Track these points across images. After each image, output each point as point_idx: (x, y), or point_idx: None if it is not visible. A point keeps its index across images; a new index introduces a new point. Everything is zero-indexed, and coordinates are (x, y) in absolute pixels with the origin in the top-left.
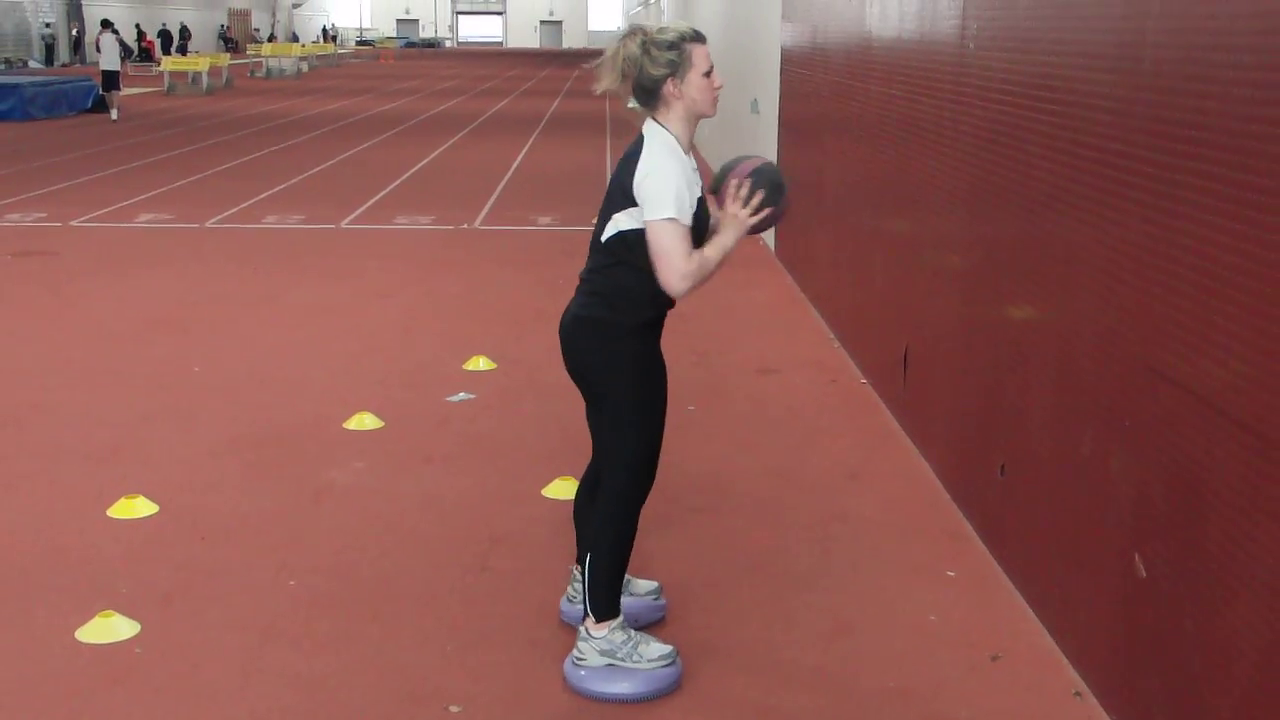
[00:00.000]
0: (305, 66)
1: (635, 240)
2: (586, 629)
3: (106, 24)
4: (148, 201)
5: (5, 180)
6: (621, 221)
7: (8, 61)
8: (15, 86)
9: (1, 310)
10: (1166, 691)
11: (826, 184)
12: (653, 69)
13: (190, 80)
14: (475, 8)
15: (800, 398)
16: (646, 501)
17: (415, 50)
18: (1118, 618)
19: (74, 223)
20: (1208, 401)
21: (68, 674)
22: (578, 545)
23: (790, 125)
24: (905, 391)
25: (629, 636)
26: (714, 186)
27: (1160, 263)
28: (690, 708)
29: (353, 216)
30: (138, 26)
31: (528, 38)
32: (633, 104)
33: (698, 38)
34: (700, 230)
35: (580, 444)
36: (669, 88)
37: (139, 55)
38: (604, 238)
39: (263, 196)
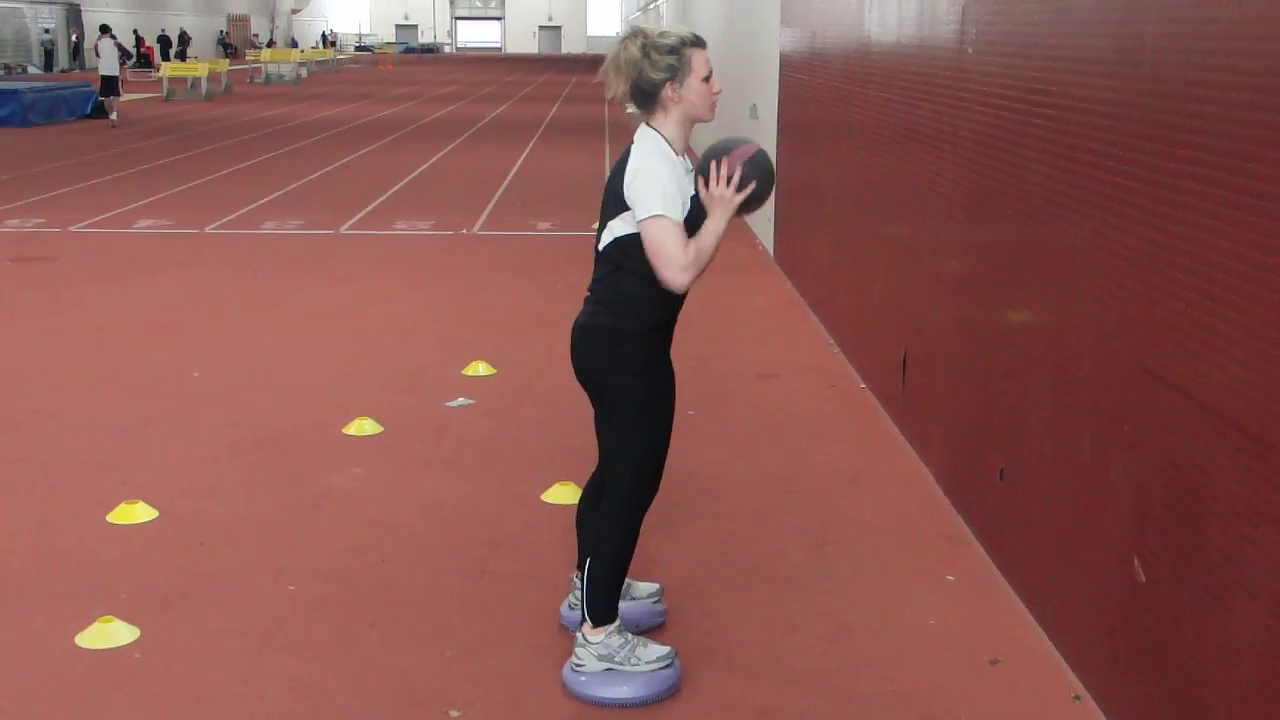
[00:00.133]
0: (304, 72)
1: (631, 244)
2: (584, 634)
3: (105, 29)
4: (147, 207)
5: (5, 186)
6: (616, 228)
7: (7, 67)
8: (15, 92)
9: (1, 315)
10: (1165, 695)
11: (825, 189)
12: (652, 72)
13: (189, 86)
14: (474, 13)
15: (800, 402)
16: (645, 514)
17: (414, 56)
18: (1117, 621)
19: (73, 228)
20: (1207, 405)
21: (67, 679)
22: (579, 551)
23: (789, 130)
24: (904, 396)
25: (626, 640)
26: (700, 168)
27: (1159, 267)
28: (690, 711)
29: (352, 222)
30: (135, 32)
31: (526, 43)
32: (632, 109)
33: (698, 42)
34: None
35: (579, 449)
36: (667, 92)
37: (137, 61)
38: (602, 247)
39: (262, 202)
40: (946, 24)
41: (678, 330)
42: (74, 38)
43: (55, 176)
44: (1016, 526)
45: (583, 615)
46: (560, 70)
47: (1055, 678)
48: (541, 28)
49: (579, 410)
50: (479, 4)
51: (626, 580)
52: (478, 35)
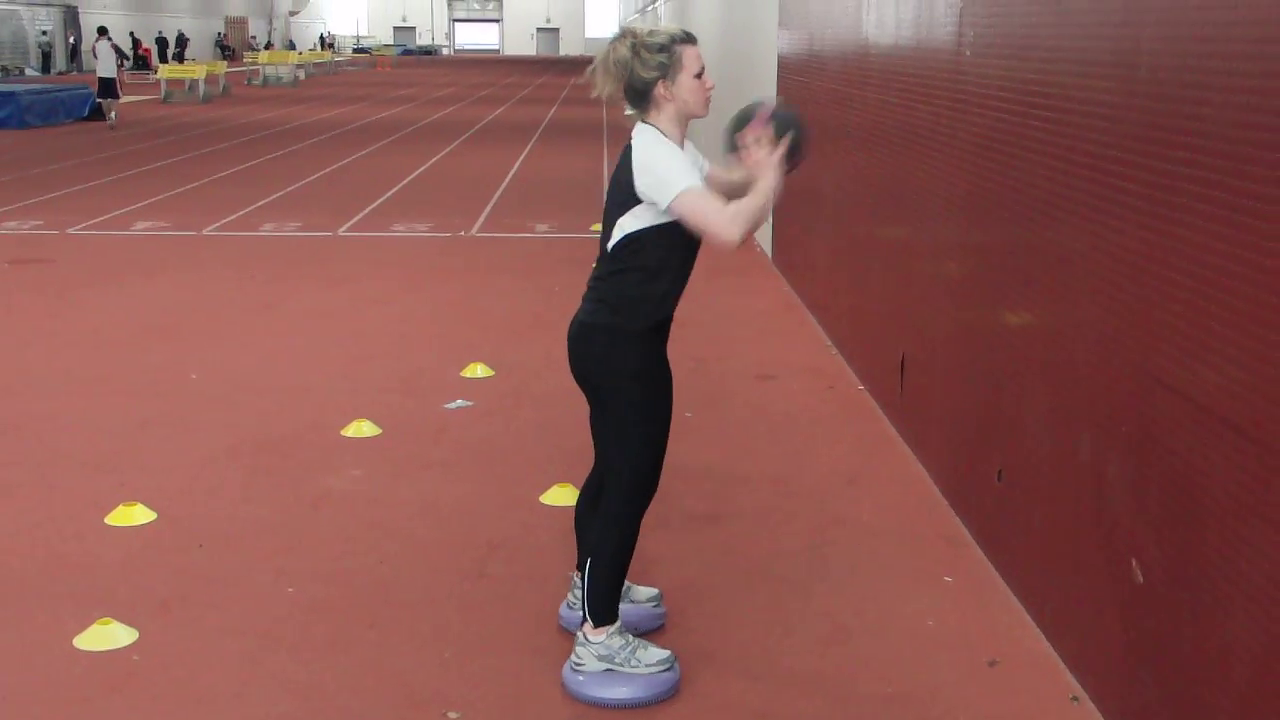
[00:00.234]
0: (302, 74)
1: (646, 239)
2: (584, 634)
3: (102, 31)
4: (145, 209)
5: (2, 188)
6: (627, 224)
7: (4, 69)
8: (12, 94)
9: None
10: (1164, 696)
11: (823, 190)
12: (643, 71)
13: (187, 88)
14: (472, 15)
15: (798, 404)
16: (644, 513)
17: (412, 58)
18: (1115, 623)
19: (71, 230)
20: (1204, 407)
21: (66, 681)
22: (579, 551)
23: None
24: (902, 397)
25: (627, 641)
26: (729, 146)
27: (1157, 269)
28: (689, 713)
29: (350, 224)
30: (131, 34)
31: (524, 45)
32: (630, 111)
33: (688, 39)
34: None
35: (578, 451)
36: (660, 90)
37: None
38: (610, 245)
39: (260, 204)
40: (944, 26)
41: (676, 331)
42: (71, 40)
43: (53, 179)
44: (1015, 528)
45: (584, 615)
46: (558, 72)
47: (1053, 679)
48: (539, 30)
49: (577, 412)
50: (477, 6)
51: (626, 583)
52: (476, 37)
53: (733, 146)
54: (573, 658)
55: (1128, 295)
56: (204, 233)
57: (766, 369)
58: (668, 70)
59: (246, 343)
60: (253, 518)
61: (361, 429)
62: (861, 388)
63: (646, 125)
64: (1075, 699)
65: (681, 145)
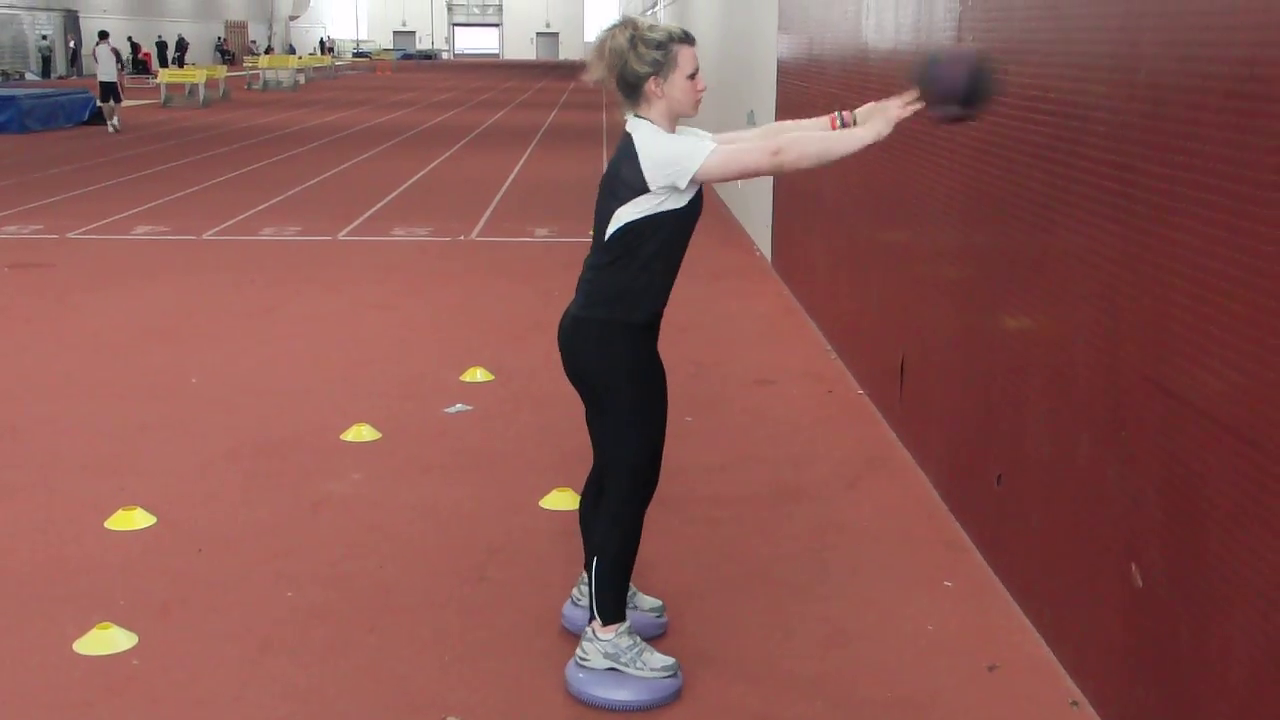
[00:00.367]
0: (302, 79)
1: (642, 228)
2: (593, 630)
3: (103, 35)
4: (145, 213)
5: (2, 192)
6: (626, 214)
7: (4, 74)
8: (12, 99)
9: None
10: (1163, 700)
11: (823, 194)
12: (637, 65)
13: (187, 92)
14: (472, 20)
15: (797, 408)
16: (646, 509)
17: (412, 62)
18: (1114, 627)
19: (71, 235)
20: (1204, 411)
21: (65, 686)
22: (585, 550)
23: None
24: (902, 402)
25: (634, 643)
26: (917, 75)
27: (1156, 273)
28: (689, 717)
29: (350, 228)
30: (130, 39)
31: (524, 49)
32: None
33: (686, 39)
34: (693, 216)
35: (577, 455)
36: (651, 85)
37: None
38: (608, 235)
39: (260, 208)
40: (943, 30)
41: (675, 335)
42: (71, 44)
43: (53, 183)
44: (1014, 532)
45: (592, 613)
46: (558, 76)
47: (1053, 683)
48: (539, 34)
49: (577, 416)
50: (477, 10)
51: (632, 588)
52: (475, 42)
53: (923, 77)
54: (578, 653)
55: (1127, 299)
56: (204, 237)
57: (766, 373)
58: (661, 67)
59: (246, 347)
60: (252, 521)
61: (361, 433)
62: (861, 392)
63: (640, 119)
64: (1075, 703)
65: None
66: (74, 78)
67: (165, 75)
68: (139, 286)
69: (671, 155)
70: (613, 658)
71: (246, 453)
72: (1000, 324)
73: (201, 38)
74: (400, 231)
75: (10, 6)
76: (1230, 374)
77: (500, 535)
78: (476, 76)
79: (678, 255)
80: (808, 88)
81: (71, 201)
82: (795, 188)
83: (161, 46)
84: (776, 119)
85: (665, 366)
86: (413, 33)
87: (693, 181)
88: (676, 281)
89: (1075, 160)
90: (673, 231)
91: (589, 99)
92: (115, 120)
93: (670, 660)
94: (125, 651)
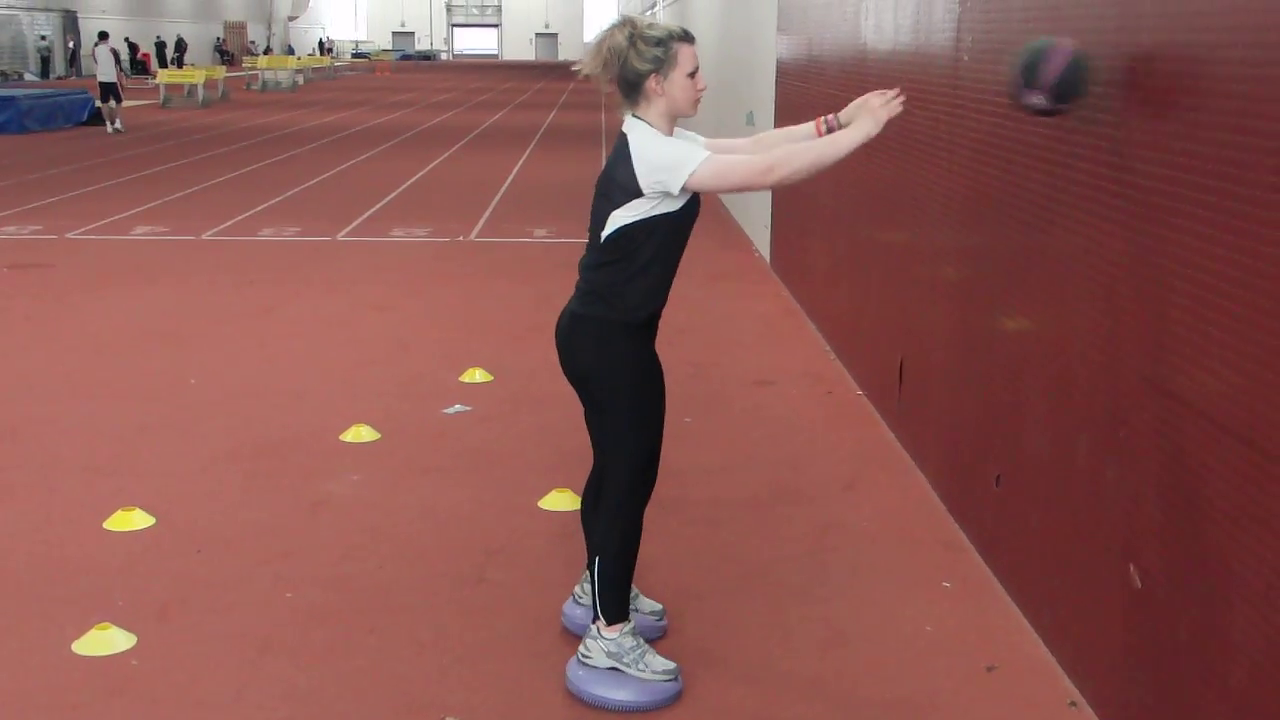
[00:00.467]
0: (301, 79)
1: (637, 231)
2: (597, 629)
3: (103, 36)
4: (144, 214)
5: (1, 193)
6: (621, 217)
7: (3, 74)
8: (11, 99)
9: None
10: (1162, 701)
11: (822, 196)
12: (637, 63)
13: (186, 93)
14: (471, 20)
15: (796, 409)
16: (645, 508)
17: (411, 63)
18: (1113, 628)
19: (70, 235)
20: (1202, 412)
21: (64, 686)
22: (588, 550)
23: None
24: (901, 403)
25: (638, 644)
26: (1022, 73)
27: (1155, 274)
28: (688, 717)
29: (349, 229)
30: (127, 40)
31: (523, 50)
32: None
33: (686, 37)
34: (689, 219)
35: (577, 456)
36: (651, 84)
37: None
38: (604, 236)
39: (259, 209)
40: (942, 31)
41: (675, 337)
42: (71, 44)
43: (52, 183)
44: (1013, 533)
45: (596, 612)
46: (557, 77)
47: (1051, 684)
48: (538, 35)
49: (576, 416)
50: (476, 11)
51: (634, 590)
52: (474, 42)
53: (1021, 76)
54: (581, 649)
55: (1126, 300)
56: (203, 237)
57: (765, 374)
58: (662, 65)
59: (245, 347)
60: (251, 522)
61: (360, 434)
62: (860, 393)
63: (637, 119)
64: (1073, 704)
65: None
66: (73, 78)
67: (164, 76)
68: (138, 287)
69: (665, 160)
70: (615, 657)
71: (246, 453)
72: (999, 325)
73: (200, 38)
74: (399, 232)
75: (9, 7)
76: (1229, 375)
77: (499, 536)
78: (475, 77)
79: (675, 256)
80: (807, 88)
81: (70, 202)
82: (794, 189)
83: (160, 47)
84: (775, 120)
85: (664, 367)
86: (412, 33)
87: (684, 190)
88: (675, 282)
89: (1074, 161)
90: (668, 234)
91: (588, 100)
92: (118, 122)
93: (672, 665)
94: (124, 652)
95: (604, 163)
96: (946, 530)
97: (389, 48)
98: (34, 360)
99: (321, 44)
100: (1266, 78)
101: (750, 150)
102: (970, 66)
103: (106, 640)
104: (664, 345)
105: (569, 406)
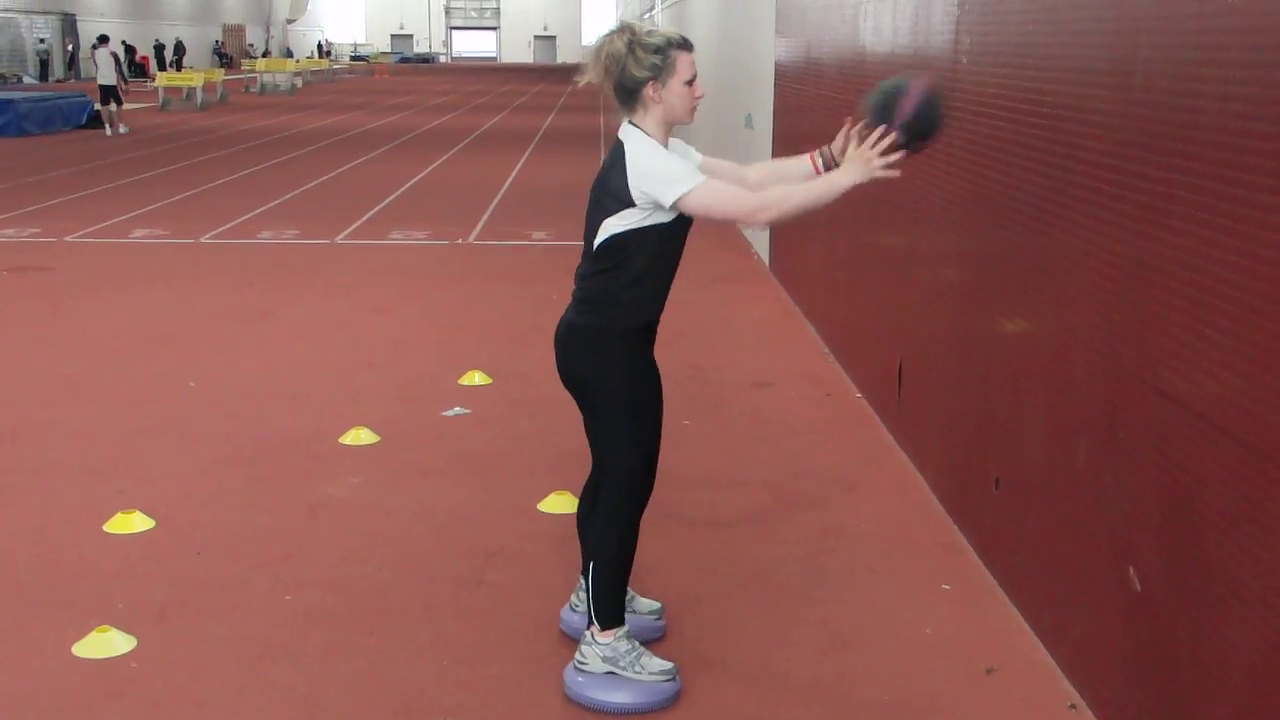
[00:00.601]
0: (300, 82)
1: (628, 242)
2: (592, 634)
3: (103, 39)
4: (143, 217)
5: (0, 195)
6: (613, 226)
7: (2, 77)
8: (10, 102)
9: None
10: (1161, 703)
11: None
12: (636, 70)
13: (185, 96)
14: (469, 23)
15: (795, 412)
16: (644, 512)
17: (410, 65)
18: (1112, 630)
19: (69, 238)
20: (1201, 415)
21: (64, 689)
22: (582, 555)
23: (784, 140)
24: (900, 405)
25: (633, 647)
26: (872, 112)
27: (1153, 277)
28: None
29: (348, 232)
30: (124, 43)
31: (522, 53)
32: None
33: (684, 45)
34: (682, 231)
35: (576, 458)
36: (649, 91)
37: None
38: (596, 244)
39: (258, 212)
40: (941, 33)
41: (674, 339)
42: (69, 48)
43: (51, 186)
44: (1012, 535)
45: (590, 618)
46: (555, 80)
47: (1051, 686)
48: (536, 38)
49: (575, 419)
50: (474, 14)
51: (630, 592)
52: (473, 45)
53: (873, 116)
54: (577, 656)
55: (1125, 302)
56: (202, 240)
57: (764, 377)
58: (660, 72)
59: (244, 350)
60: (251, 525)
61: (360, 436)
62: (859, 395)
63: (633, 127)
64: (1073, 706)
65: (665, 145)
66: (71, 81)
67: (163, 79)
68: (137, 290)
69: (660, 174)
70: (611, 661)
71: (245, 456)
72: (998, 328)
73: (199, 41)
74: (398, 235)
75: (8, 10)
76: (1227, 377)
77: (498, 539)
78: (474, 80)
79: (669, 265)
80: (805, 91)
81: (69, 205)
82: None
83: (159, 49)
84: (775, 121)
85: (663, 370)
86: (410, 36)
87: (674, 207)
88: (674, 284)
89: (1072, 164)
90: (660, 244)
91: (586, 102)
92: (121, 125)
93: (669, 664)
94: (124, 655)
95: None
96: (946, 533)
97: (388, 50)
98: (33, 363)
99: (320, 47)
100: (1266, 79)
101: (737, 175)
102: (969, 69)
103: (106, 643)
104: (662, 348)
105: (568, 409)
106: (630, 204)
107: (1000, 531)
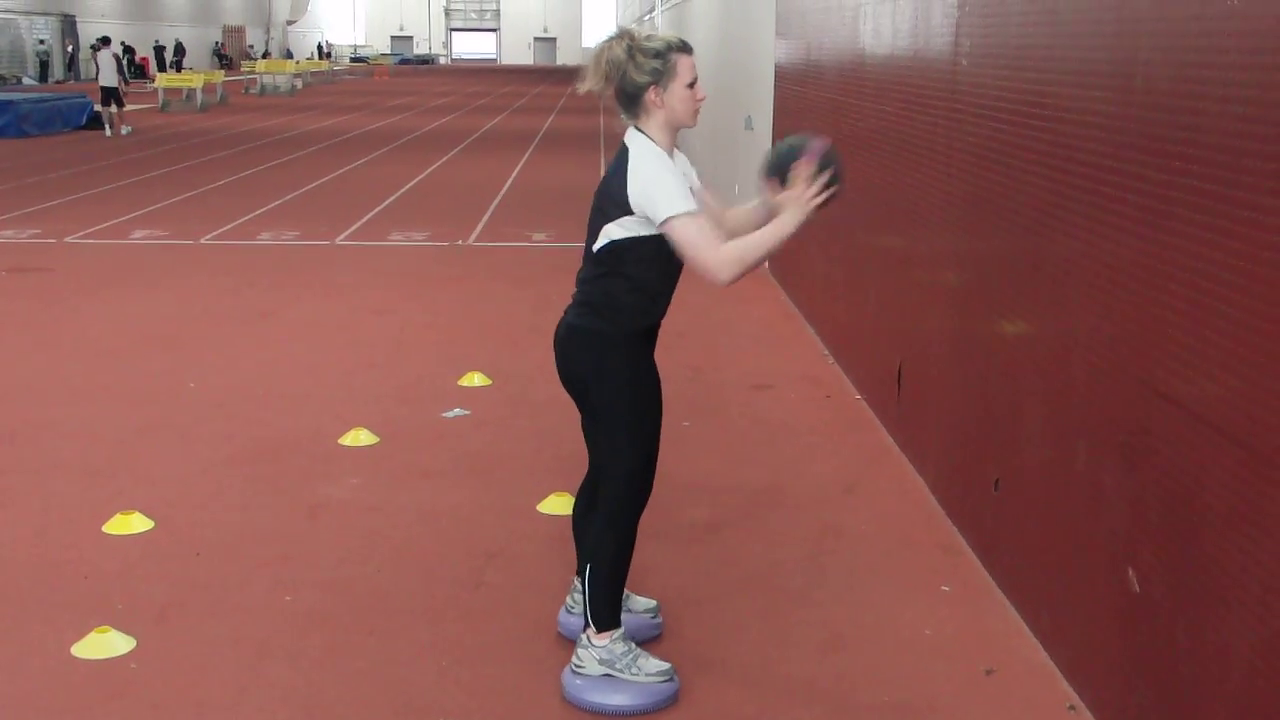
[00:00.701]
0: (300, 83)
1: (627, 249)
2: (588, 637)
3: (105, 41)
4: (142, 218)
5: (0, 196)
6: (613, 232)
7: (2, 78)
8: (10, 103)
9: None
10: (1160, 704)
11: None
12: (636, 75)
13: (185, 97)
14: (469, 24)
15: (795, 413)
16: (642, 515)
17: (410, 67)
18: (1111, 631)
19: (69, 239)
20: (1200, 416)
21: (63, 690)
22: (578, 556)
23: None
24: (899, 407)
25: (629, 649)
26: (772, 170)
27: (1153, 278)
28: None
29: (348, 233)
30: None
31: (521, 54)
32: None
33: (684, 48)
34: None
35: (575, 460)
36: (651, 96)
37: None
38: (596, 248)
39: (258, 213)
40: (941, 36)
41: (673, 341)
42: (69, 49)
43: (50, 187)
44: (1011, 537)
45: (586, 620)
46: (555, 81)
47: (1050, 687)
48: (536, 39)
49: (574, 421)
50: (474, 15)
51: (625, 591)
52: (473, 47)
53: (773, 173)
54: (573, 660)
55: (1124, 304)
56: (202, 241)
57: (763, 378)
58: (661, 77)
59: (244, 351)
60: (250, 526)
61: (359, 437)
62: (858, 397)
63: (639, 133)
64: (1072, 707)
65: (670, 154)
66: (71, 82)
67: (163, 80)
68: (137, 291)
69: (655, 192)
70: (608, 664)
71: (244, 457)
72: (998, 329)
73: (199, 42)
74: (398, 236)
75: (8, 11)
76: (1226, 379)
77: (498, 540)
78: (474, 81)
79: (670, 273)
80: (805, 93)
81: (69, 206)
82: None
83: (159, 51)
84: (774, 122)
85: (662, 372)
86: (410, 37)
87: (660, 226)
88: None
89: (1072, 166)
90: (658, 252)
91: (586, 104)
92: (124, 126)
93: (666, 665)
94: (123, 655)
95: (602, 169)
96: (945, 534)
97: (387, 52)
98: (33, 364)
99: (320, 48)
100: (1265, 81)
101: (718, 216)
102: (968, 71)
103: (106, 643)
104: (662, 349)
105: (568, 410)
106: (630, 211)
107: (1000, 533)
